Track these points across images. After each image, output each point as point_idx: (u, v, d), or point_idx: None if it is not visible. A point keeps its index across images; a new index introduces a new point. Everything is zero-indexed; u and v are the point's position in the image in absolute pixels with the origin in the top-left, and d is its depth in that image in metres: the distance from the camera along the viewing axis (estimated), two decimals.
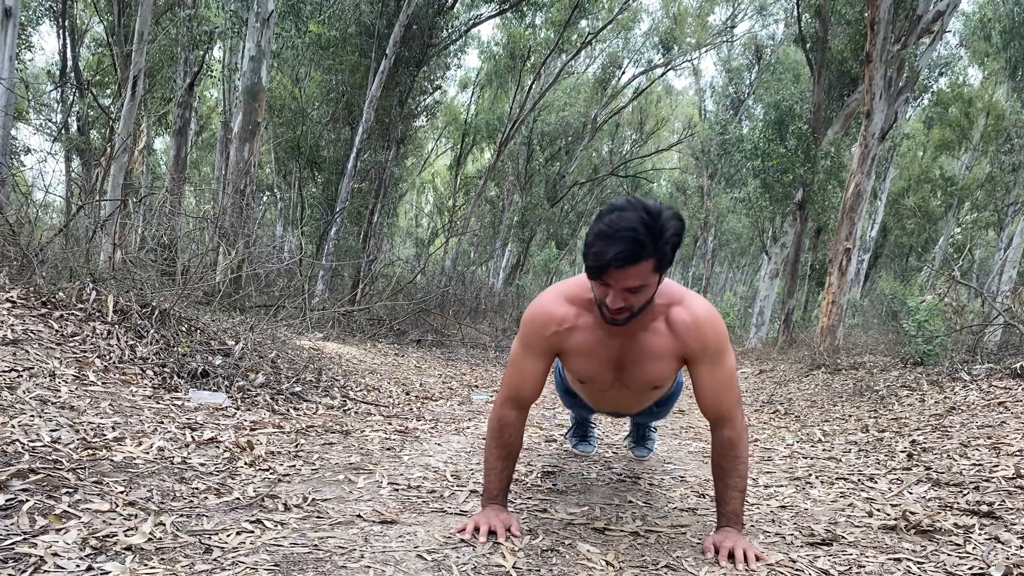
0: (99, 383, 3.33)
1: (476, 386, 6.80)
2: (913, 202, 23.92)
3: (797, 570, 1.90)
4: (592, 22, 19.76)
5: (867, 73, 10.11)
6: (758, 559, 1.92)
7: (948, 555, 2.03)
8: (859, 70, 13.69)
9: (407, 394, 5.54)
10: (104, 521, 1.81)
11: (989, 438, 3.55)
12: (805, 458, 3.61)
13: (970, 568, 1.93)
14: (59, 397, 2.94)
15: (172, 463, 2.46)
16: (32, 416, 2.59)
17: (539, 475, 2.89)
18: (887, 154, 19.15)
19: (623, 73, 24.60)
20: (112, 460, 2.35)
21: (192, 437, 2.84)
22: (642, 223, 1.73)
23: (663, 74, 25.29)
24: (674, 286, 2.06)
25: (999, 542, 2.13)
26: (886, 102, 10.10)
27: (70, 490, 1.98)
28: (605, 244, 1.75)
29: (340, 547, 1.84)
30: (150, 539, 1.74)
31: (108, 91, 18.86)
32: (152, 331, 4.28)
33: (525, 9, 17.25)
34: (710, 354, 2.01)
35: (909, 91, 11.30)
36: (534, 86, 19.56)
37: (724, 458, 2.04)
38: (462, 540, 1.95)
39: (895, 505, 2.58)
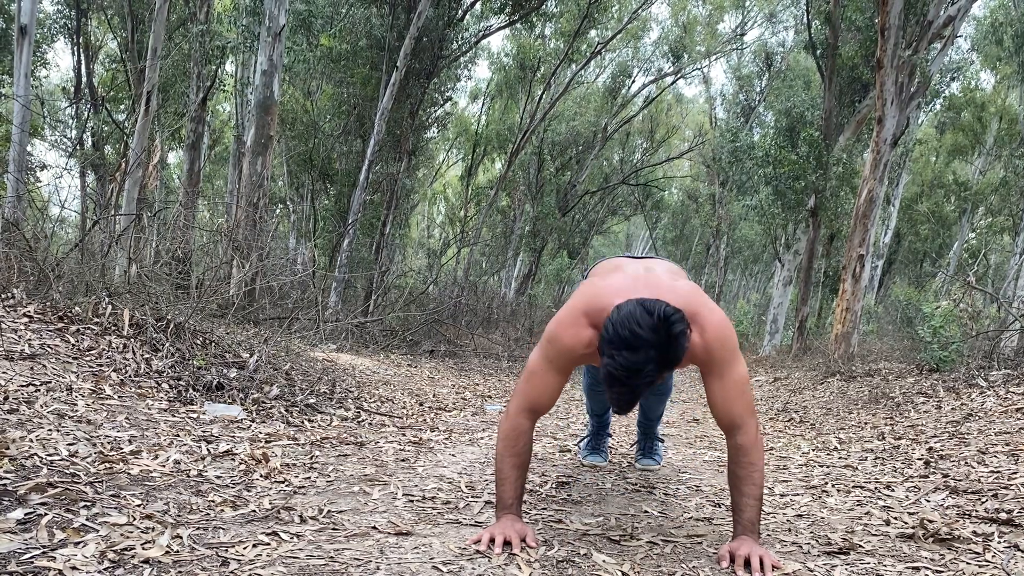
0: (115, 397, 3.36)
1: (489, 396, 6.80)
2: (927, 207, 23.78)
3: None
4: (601, 32, 19.77)
5: (878, 79, 10.07)
6: (775, 567, 1.91)
7: (967, 563, 2.02)
8: (870, 76, 13.64)
9: (421, 405, 5.55)
10: (122, 534, 1.82)
11: (1007, 444, 3.52)
12: (821, 466, 3.59)
13: None
14: (76, 411, 2.96)
15: (188, 476, 2.47)
16: (50, 430, 2.61)
17: (554, 485, 2.88)
18: (899, 159, 19.04)
19: (633, 82, 24.60)
20: (129, 473, 2.36)
21: (208, 450, 2.85)
22: (655, 361, 1.82)
23: (673, 82, 25.29)
24: (690, 298, 2.05)
25: (1018, 550, 2.11)
26: (898, 107, 10.06)
27: (88, 503, 2.00)
28: (625, 392, 1.87)
29: (356, 559, 1.84)
30: (167, 552, 1.75)
31: (122, 107, 19.07)
32: (167, 344, 4.31)
33: (535, 20, 17.30)
34: (717, 365, 2.04)
35: (921, 96, 11.25)
36: (544, 96, 19.58)
37: (738, 465, 2.04)
38: (477, 551, 1.95)
39: (913, 513, 2.56)
